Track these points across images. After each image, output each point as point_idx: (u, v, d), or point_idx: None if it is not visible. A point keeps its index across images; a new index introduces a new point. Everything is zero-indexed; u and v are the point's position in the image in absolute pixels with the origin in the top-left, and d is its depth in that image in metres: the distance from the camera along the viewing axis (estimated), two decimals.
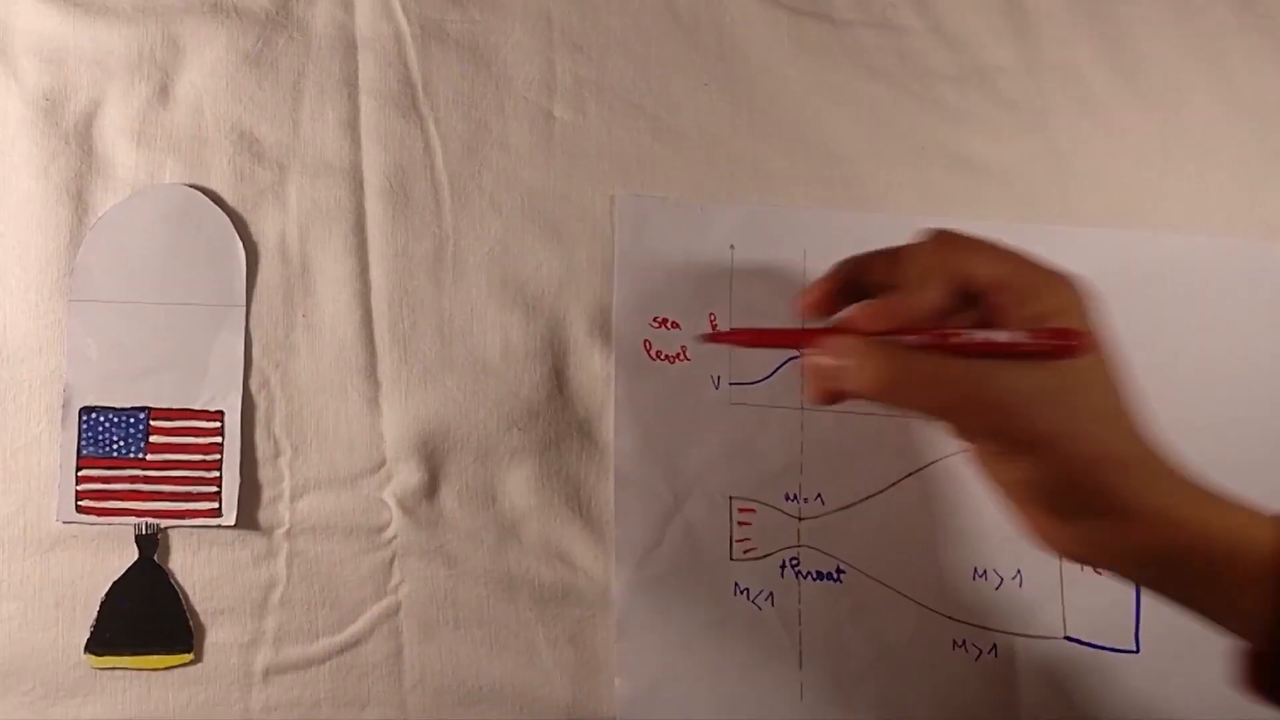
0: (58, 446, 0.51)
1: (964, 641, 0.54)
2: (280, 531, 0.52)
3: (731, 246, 0.55)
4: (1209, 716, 0.53)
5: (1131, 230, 0.56)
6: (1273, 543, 0.36)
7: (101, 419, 0.51)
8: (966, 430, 0.39)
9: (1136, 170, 0.57)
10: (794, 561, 0.54)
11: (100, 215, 0.52)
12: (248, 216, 0.52)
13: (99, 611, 0.50)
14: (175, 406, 0.51)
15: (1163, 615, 0.46)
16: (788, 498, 0.54)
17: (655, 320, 0.54)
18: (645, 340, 0.54)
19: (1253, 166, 0.57)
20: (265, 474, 0.51)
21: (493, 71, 0.55)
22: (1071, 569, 0.54)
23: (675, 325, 0.54)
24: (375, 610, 0.52)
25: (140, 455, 0.51)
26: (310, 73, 0.53)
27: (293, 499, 0.52)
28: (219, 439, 0.51)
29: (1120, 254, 0.56)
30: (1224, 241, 0.56)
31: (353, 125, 0.53)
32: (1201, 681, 0.52)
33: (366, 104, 0.54)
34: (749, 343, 0.49)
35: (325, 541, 0.52)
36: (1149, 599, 0.50)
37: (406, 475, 0.52)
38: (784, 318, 0.55)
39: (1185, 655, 0.53)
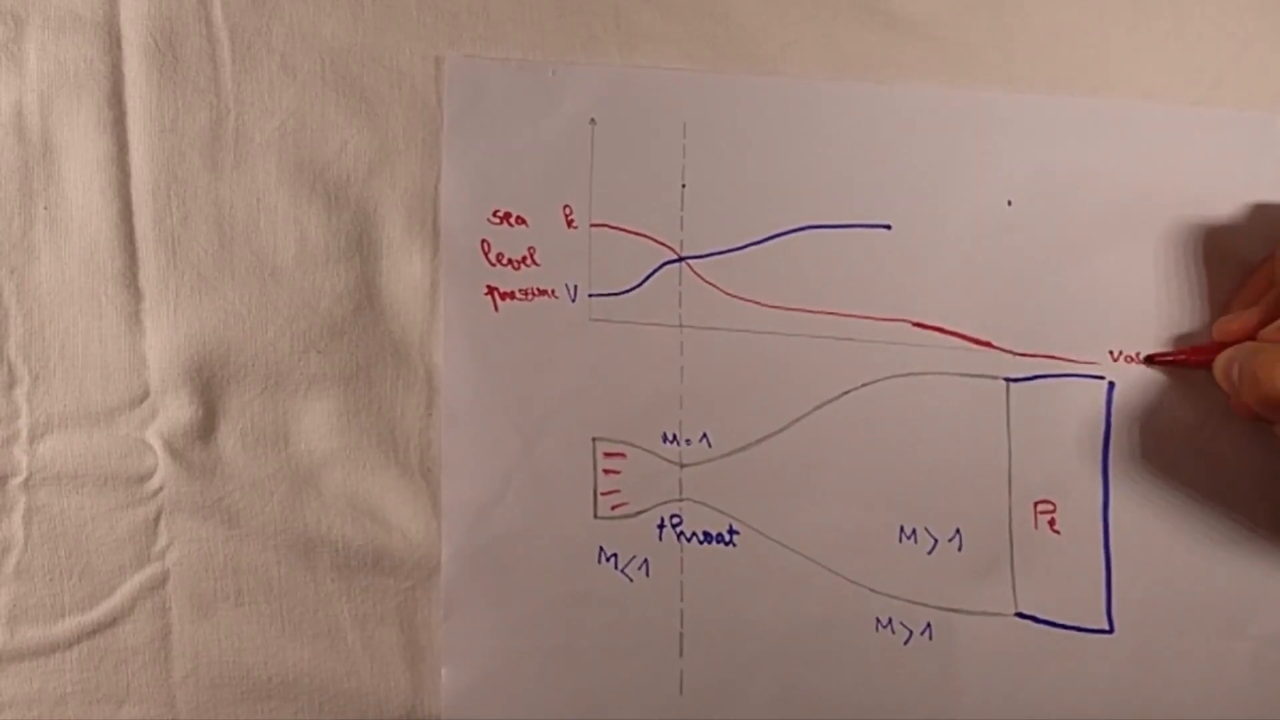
0: None
1: (890, 620, 0.44)
2: (16, 481, 0.43)
3: (592, 120, 0.44)
4: (1199, 710, 0.44)
5: (1091, 99, 0.45)
6: None
7: None
8: None
9: (1100, 24, 0.46)
10: (675, 519, 0.44)
11: None
12: None
13: None
14: None
15: (1142, 587, 0.43)
16: (666, 439, 0.44)
17: (495, 214, 0.44)
18: (483, 240, 0.43)
19: (1245, 20, 0.46)
20: None
21: None
22: (1021, 527, 0.43)
23: (521, 220, 0.44)
24: (136, 581, 0.44)
25: None
26: None
27: (32, 440, 0.43)
28: None
29: (1077, 129, 0.45)
30: (1211, 113, 0.45)
31: None
32: (1190, 667, 0.44)
33: None
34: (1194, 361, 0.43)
35: (73, 494, 0.43)
36: (1122, 566, 0.43)
37: (175, 410, 0.43)
38: (661, 209, 0.44)
39: (1172, 635, 0.44)
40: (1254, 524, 0.43)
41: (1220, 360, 0.41)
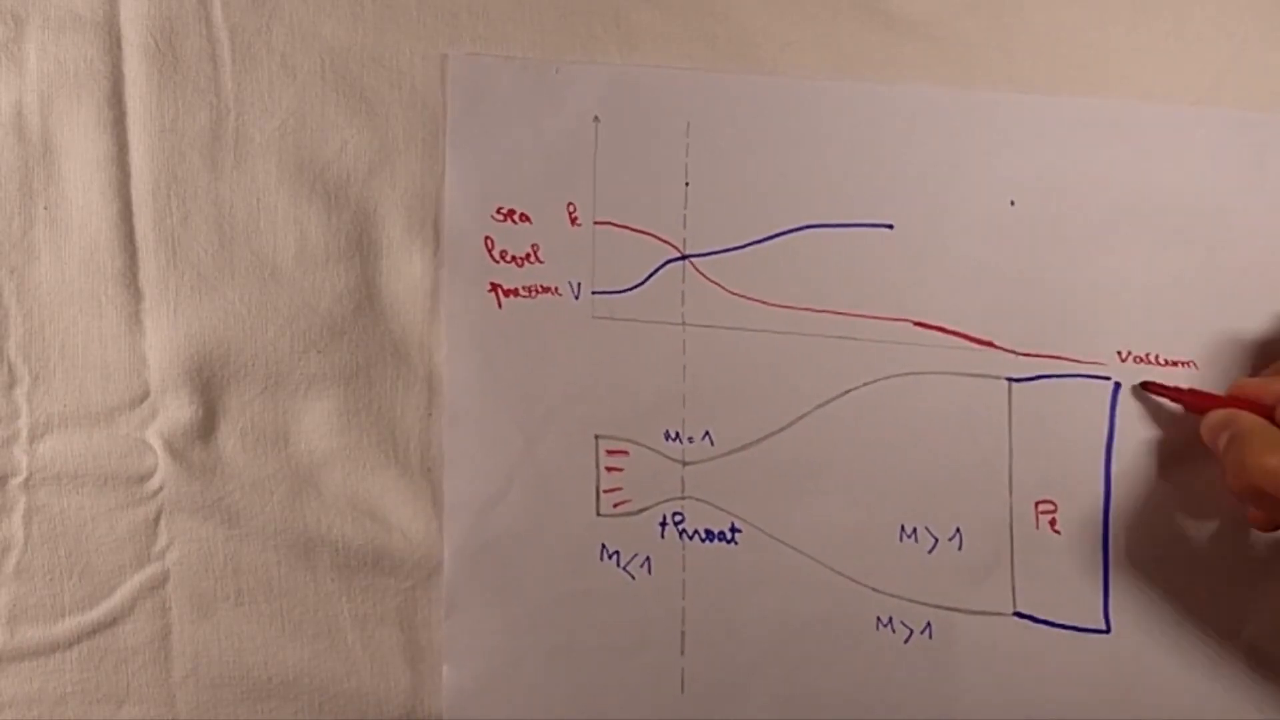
0: None
1: (890, 619, 0.44)
2: (16, 481, 0.43)
3: (596, 118, 0.44)
4: (1194, 710, 0.44)
5: (1091, 99, 0.45)
6: None
7: None
8: None
9: (1100, 23, 0.46)
10: (677, 517, 0.44)
11: None
12: None
13: None
14: None
15: (1138, 587, 0.43)
16: (668, 437, 0.44)
17: (499, 211, 0.43)
18: (486, 237, 0.43)
19: (1245, 20, 0.46)
20: None
21: None
22: (1022, 527, 0.43)
23: (525, 218, 0.44)
24: (136, 581, 0.44)
25: None
26: None
27: (31, 440, 0.43)
28: None
29: (1077, 129, 0.44)
30: (1211, 113, 0.45)
31: None
32: (1183, 666, 0.44)
33: None
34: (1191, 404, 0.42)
35: (73, 494, 0.43)
36: (1120, 566, 0.43)
37: (175, 410, 0.43)
38: (665, 207, 0.44)
39: (1168, 634, 0.44)
40: (1251, 525, 0.43)
41: (1211, 419, 0.40)
